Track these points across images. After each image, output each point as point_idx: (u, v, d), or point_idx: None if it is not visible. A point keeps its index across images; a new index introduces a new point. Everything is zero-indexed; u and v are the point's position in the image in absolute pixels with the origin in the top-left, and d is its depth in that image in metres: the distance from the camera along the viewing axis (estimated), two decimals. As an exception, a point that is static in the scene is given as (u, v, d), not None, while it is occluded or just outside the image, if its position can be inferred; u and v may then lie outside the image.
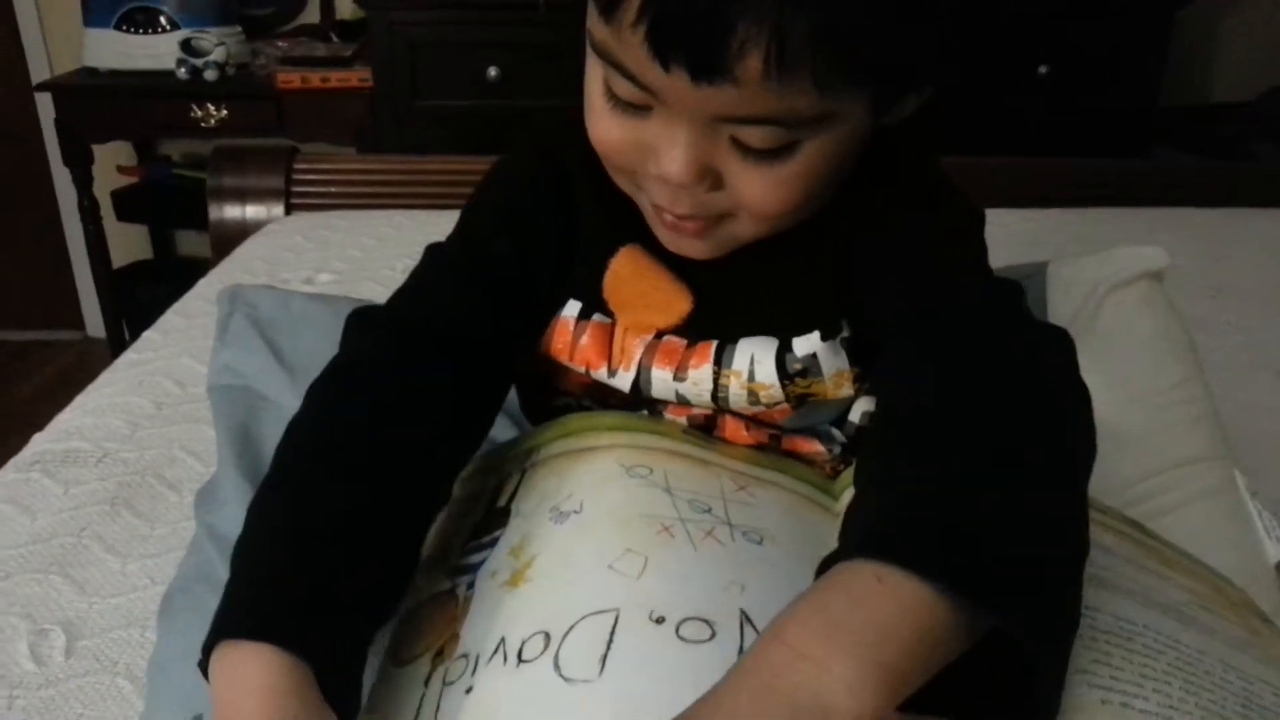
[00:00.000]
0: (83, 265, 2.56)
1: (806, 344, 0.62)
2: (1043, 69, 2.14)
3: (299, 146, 1.65)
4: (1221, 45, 2.59)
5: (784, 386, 0.62)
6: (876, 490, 0.47)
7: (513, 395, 0.76)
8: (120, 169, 2.53)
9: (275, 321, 0.94)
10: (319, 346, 0.88)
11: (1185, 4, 2.25)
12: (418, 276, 0.65)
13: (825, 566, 0.43)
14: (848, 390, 0.64)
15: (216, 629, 0.47)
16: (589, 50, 0.53)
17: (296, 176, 1.55)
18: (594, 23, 0.51)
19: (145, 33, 2.21)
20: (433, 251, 0.66)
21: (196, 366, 1.05)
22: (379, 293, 1.24)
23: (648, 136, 0.52)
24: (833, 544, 0.50)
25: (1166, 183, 1.71)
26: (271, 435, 0.80)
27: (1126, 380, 0.77)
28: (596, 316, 0.64)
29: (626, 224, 0.62)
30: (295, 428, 0.56)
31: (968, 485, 0.44)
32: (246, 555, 0.51)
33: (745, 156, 0.51)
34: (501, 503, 0.60)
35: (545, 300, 0.65)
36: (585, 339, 0.64)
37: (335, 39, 2.37)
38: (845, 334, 0.62)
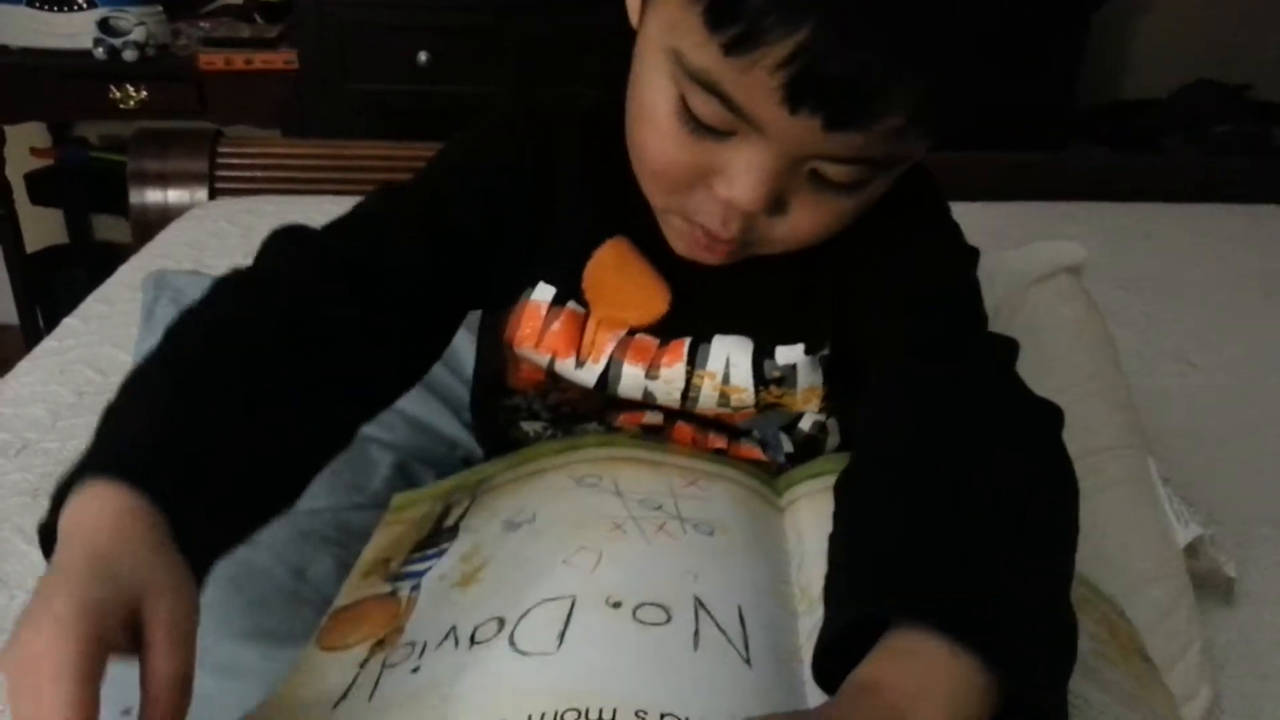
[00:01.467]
0: (-6, 249, 2.47)
1: (789, 354, 0.62)
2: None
3: (223, 130, 1.62)
4: (1136, 44, 2.67)
5: (757, 392, 0.62)
6: (897, 544, 0.46)
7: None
8: (34, 151, 2.45)
9: (201, 308, 0.92)
10: (247, 335, 0.88)
11: (1101, 5, 2.32)
12: (363, 213, 0.62)
13: (865, 608, 0.43)
14: (814, 407, 0.64)
15: (67, 480, 0.43)
16: (656, 66, 0.51)
17: (221, 160, 1.52)
18: (688, 45, 0.48)
19: (61, 10, 2.13)
20: (386, 191, 0.63)
21: (119, 354, 1.03)
22: (307, 280, 1.23)
23: (719, 160, 0.51)
24: (779, 534, 0.51)
25: (1081, 177, 1.77)
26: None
27: (1047, 371, 0.80)
28: (570, 305, 0.63)
29: (616, 216, 0.61)
30: (192, 319, 0.53)
31: (992, 559, 0.44)
32: (114, 416, 0.47)
33: (818, 188, 0.51)
34: (450, 523, 0.59)
35: (500, 279, 0.63)
36: (556, 326, 0.63)
37: (260, 20, 2.32)
38: (826, 352, 0.63)
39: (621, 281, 0.63)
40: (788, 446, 0.67)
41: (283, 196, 1.49)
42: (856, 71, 0.44)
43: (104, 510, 0.41)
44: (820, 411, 0.65)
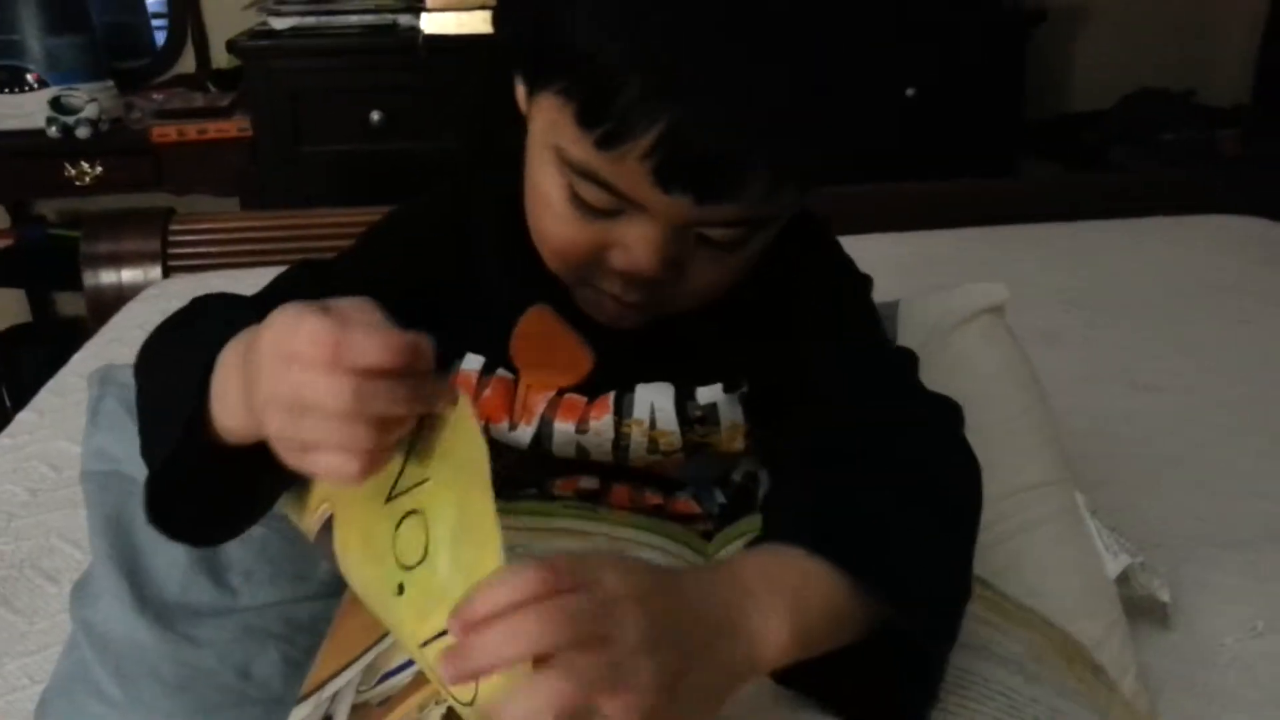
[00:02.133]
0: (-41, 332, 2.47)
1: (709, 394, 0.65)
2: (910, 91, 2.22)
3: (175, 207, 1.63)
4: (1077, 57, 2.71)
5: (684, 433, 0.65)
6: (805, 496, 0.54)
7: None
8: (-8, 231, 2.46)
9: (150, 400, 0.93)
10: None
11: (1039, 22, 2.36)
12: (281, 290, 0.65)
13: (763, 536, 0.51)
14: (739, 444, 0.67)
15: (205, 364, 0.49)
16: (544, 159, 0.56)
17: (173, 238, 1.53)
18: (566, 140, 0.53)
19: (12, 91, 2.14)
20: (304, 269, 0.67)
21: (73, 448, 1.03)
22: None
23: (613, 236, 0.56)
24: None
25: (1028, 199, 1.80)
26: (145, 522, 0.80)
27: (973, 411, 0.81)
28: (500, 372, 0.65)
29: (534, 285, 0.64)
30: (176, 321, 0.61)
31: (880, 513, 0.52)
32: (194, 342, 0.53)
33: (708, 249, 0.56)
34: None
35: None
36: (488, 392, 0.65)
37: (212, 88, 2.34)
38: (744, 389, 0.66)
39: (546, 347, 0.66)
40: (721, 499, 0.69)
41: (236, 270, 1.50)
42: (716, 151, 0.50)
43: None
44: (748, 457, 0.68)
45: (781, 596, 0.46)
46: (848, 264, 0.70)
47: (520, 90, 0.60)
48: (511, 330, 0.65)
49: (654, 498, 0.68)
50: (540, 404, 0.65)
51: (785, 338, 0.65)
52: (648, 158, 0.50)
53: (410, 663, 0.53)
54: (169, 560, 0.73)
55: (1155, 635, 0.81)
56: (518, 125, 0.62)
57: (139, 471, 0.84)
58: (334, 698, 0.56)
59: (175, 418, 0.50)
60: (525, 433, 0.65)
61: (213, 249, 1.54)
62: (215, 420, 0.49)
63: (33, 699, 0.71)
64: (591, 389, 0.65)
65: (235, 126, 2.17)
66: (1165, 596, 0.81)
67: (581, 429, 0.65)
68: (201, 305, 0.62)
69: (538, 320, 0.65)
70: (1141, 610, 0.82)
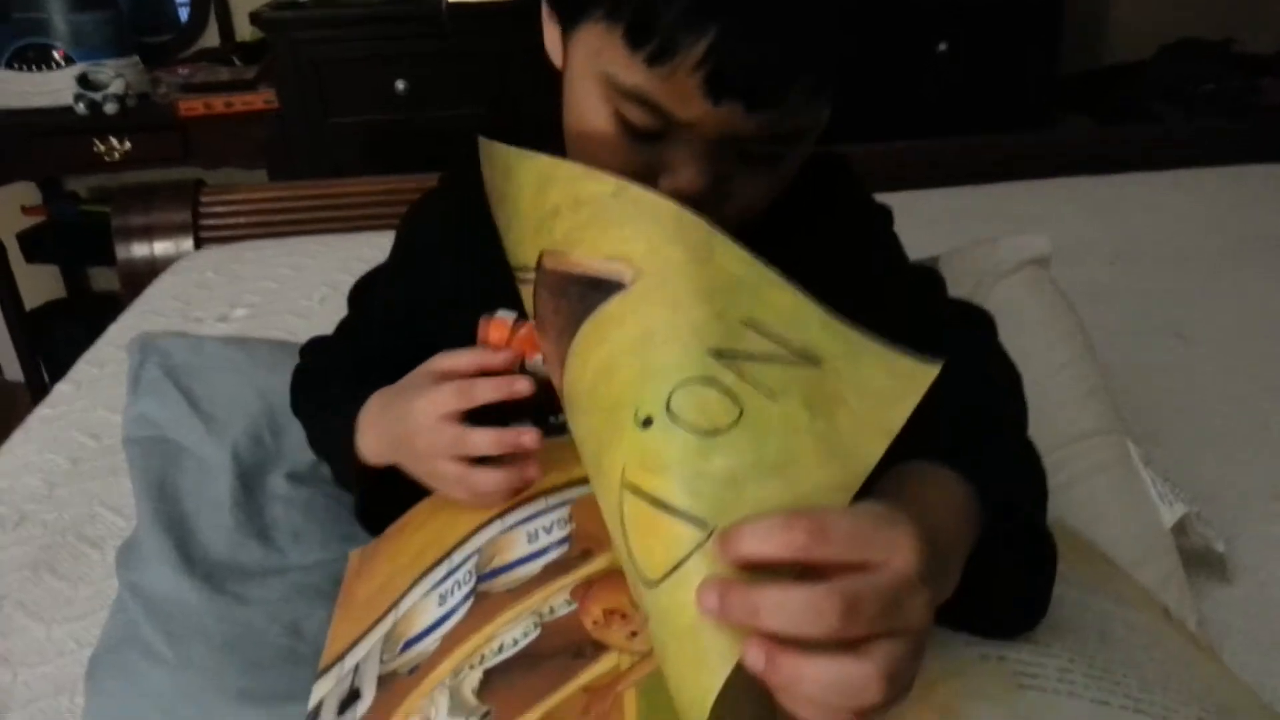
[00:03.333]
0: (-6, 310, 2.49)
1: None
2: (941, 46, 2.18)
3: (205, 179, 1.63)
4: (1113, 8, 2.65)
5: None
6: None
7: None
8: (25, 209, 2.47)
9: (189, 368, 0.93)
10: (235, 392, 0.88)
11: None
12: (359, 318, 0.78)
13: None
14: None
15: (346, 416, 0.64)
16: (588, 91, 0.57)
17: (203, 210, 1.53)
18: (614, 66, 0.54)
19: (39, 69, 2.15)
20: (358, 293, 0.79)
21: (111, 417, 1.03)
22: (297, 325, 1.23)
23: (661, 159, 0.57)
24: None
25: (1068, 152, 1.76)
26: (191, 485, 0.80)
27: (1018, 362, 0.80)
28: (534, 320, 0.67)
29: None
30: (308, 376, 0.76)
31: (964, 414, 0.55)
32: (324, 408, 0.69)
33: (745, 165, 0.57)
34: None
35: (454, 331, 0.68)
36: (523, 331, 0.66)
37: (237, 62, 2.33)
38: None
39: None
40: None
41: (266, 241, 1.50)
42: (764, 56, 0.52)
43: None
44: None
45: (928, 518, 0.46)
46: (869, 197, 0.72)
47: (552, 33, 0.61)
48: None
49: None
50: None
51: (815, 267, 0.64)
52: (698, 69, 0.51)
53: (434, 628, 0.52)
54: (215, 522, 0.73)
55: (1213, 587, 0.80)
56: (547, 80, 0.63)
57: (182, 436, 0.85)
58: (356, 669, 0.55)
59: (339, 458, 0.65)
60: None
61: (243, 219, 1.54)
62: (361, 454, 0.64)
63: (80, 663, 0.71)
64: None
65: (261, 99, 2.16)
66: (1221, 548, 0.80)
67: None
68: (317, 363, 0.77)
69: None
70: (1198, 562, 0.80)
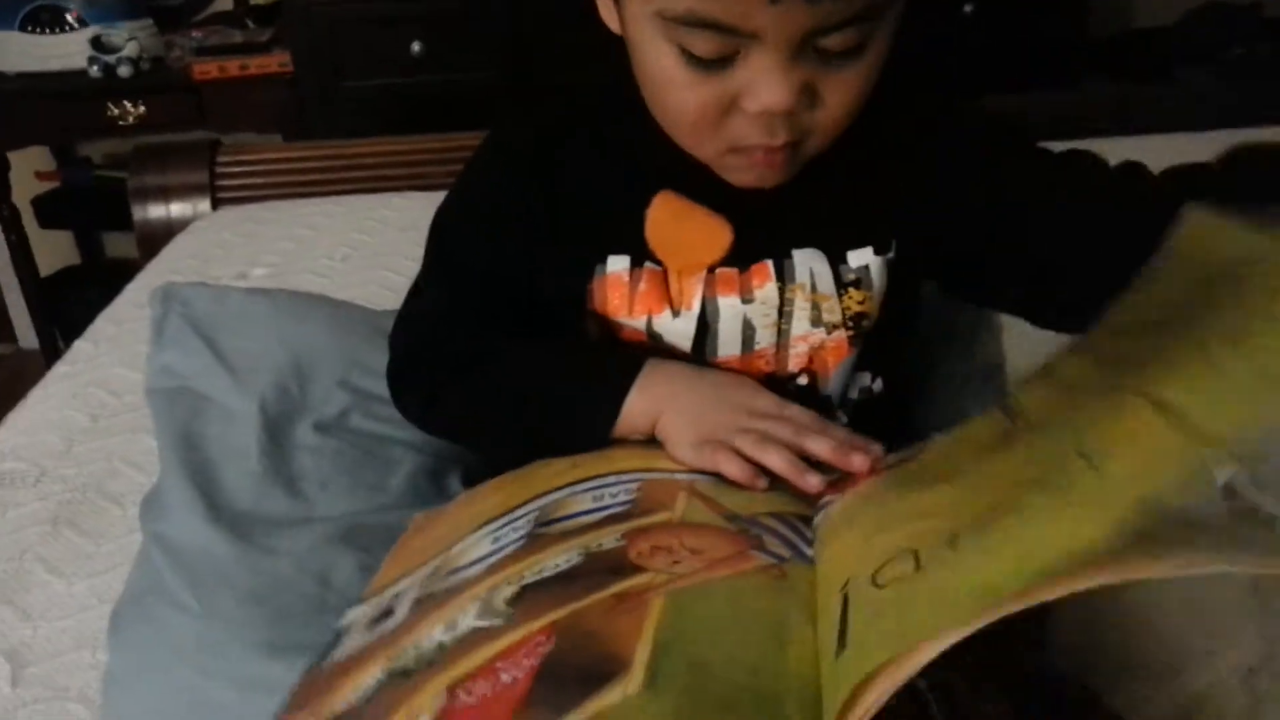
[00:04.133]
0: (9, 276, 2.47)
1: (860, 257, 0.66)
2: (968, 8, 2.14)
3: (221, 139, 1.60)
4: (1141, -29, 2.61)
5: (840, 297, 0.65)
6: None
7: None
8: (39, 174, 2.45)
9: (213, 318, 0.91)
10: (260, 342, 0.86)
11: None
12: (420, 312, 0.71)
13: None
14: (875, 314, 0.67)
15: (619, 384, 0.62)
16: (648, 37, 0.57)
17: (220, 170, 1.51)
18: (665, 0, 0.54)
19: (53, 32, 2.12)
20: (424, 273, 0.72)
21: (131, 374, 1.02)
22: (317, 284, 1.21)
23: (735, 85, 0.56)
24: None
25: (1096, 112, 1.73)
26: (216, 435, 0.78)
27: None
28: (648, 265, 0.66)
29: (651, 174, 0.66)
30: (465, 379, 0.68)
31: None
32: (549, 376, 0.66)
33: (827, 65, 0.56)
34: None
35: (560, 267, 0.67)
36: (643, 286, 0.65)
37: (251, 25, 2.30)
38: (892, 255, 0.66)
39: (682, 228, 0.66)
40: (843, 420, 0.68)
41: (284, 202, 1.48)
42: None
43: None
44: (870, 376, 0.69)
45: None
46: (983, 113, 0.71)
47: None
48: (643, 224, 0.66)
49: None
50: (697, 286, 0.65)
51: (941, 183, 0.66)
52: None
53: (481, 561, 0.51)
54: (241, 471, 0.71)
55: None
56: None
57: (207, 387, 0.83)
58: (395, 598, 0.53)
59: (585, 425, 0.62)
60: (689, 319, 0.66)
61: (260, 180, 1.52)
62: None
63: (101, 617, 0.70)
64: (740, 260, 0.66)
65: (275, 62, 2.13)
66: (1275, 509, 0.77)
67: (747, 299, 0.65)
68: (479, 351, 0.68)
69: (665, 205, 0.66)
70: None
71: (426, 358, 0.69)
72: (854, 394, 0.69)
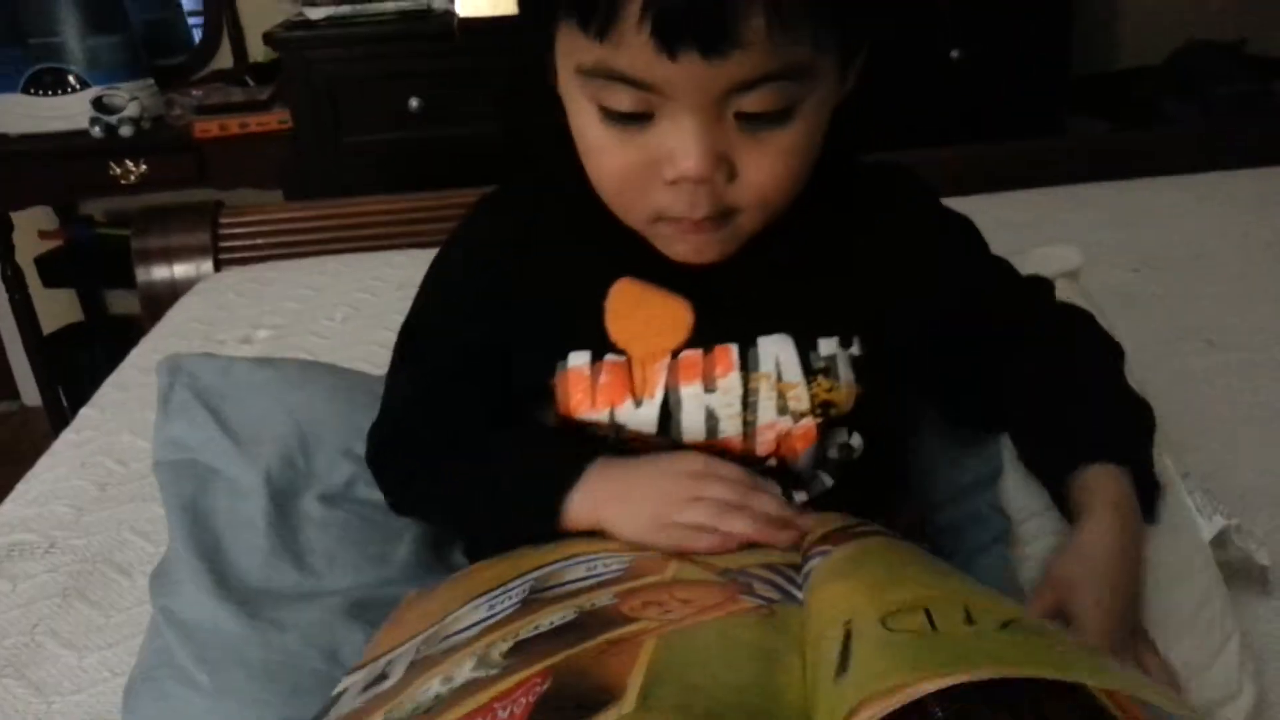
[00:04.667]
0: (12, 335, 2.49)
1: (829, 345, 0.65)
2: (955, 54, 2.17)
3: (223, 200, 1.63)
4: (1123, 10, 2.65)
5: (809, 385, 0.64)
6: (1069, 431, 0.66)
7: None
8: (42, 234, 2.48)
9: (218, 390, 0.92)
10: (265, 413, 0.88)
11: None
12: (390, 404, 0.74)
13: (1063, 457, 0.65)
14: (850, 405, 0.66)
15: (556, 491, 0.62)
16: (575, 98, 0.57)
17: (223, 231, 1.53)
18: (580, 53, 0.55)
19: (55, 94, 2.16)
20: (405, 339, 0.74)
21: (138, 442, 1.03)
22: (320, 345, 1.23)
23: (654, 147, 0.56)
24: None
25: (1082, 157, 1.75)
26: (223, 508, 0.79)
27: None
28: (609, 357, 0.65)
29: (608, 263, 0.65)
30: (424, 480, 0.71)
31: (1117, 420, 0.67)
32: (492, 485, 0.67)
33: (751, 131, 0.55)
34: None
35: (520, 370, 0.68)
36: (604, 378, 0.64)
37: (251, 82, 2.34)
38: (855, 351, 0.65)
39: (643, 314, 0.65)
40: (827, 482, 0.68)
41: (287, 261, 1.50)
42: None
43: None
44: (848, 432, 0.68)
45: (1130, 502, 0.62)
46: (937, 202, 0.72)
47: (552, 63, 0.61)
48: (603, 314, 0.65)
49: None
50: (660, 374, 0.64)
51: (877, 265, 0.67)
52: (641, 25, 0.51)
53: (476, 625, 0.52)
54: (249, 546, 0.72)
55: (1256, 602, 0.78)
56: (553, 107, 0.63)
57: (213, 459, 0.85)
58: (389, 663, 0.55)
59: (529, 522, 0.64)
60: (651, 407, 0.64)
61: (262, 240, 1.54)
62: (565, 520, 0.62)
63: (114, 691, 0.71)
64: (703, 340, 0.65)
65: (275, 119, 2.17)
66: (1265, 560, 0.78)
67: (710, 387, 0.64)
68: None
69: (624, 293, 0.66)
70: (1240, 576, 0.79)
71: (398, 447, 0.72)
72: (832, 453, 0.67)
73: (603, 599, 0.50)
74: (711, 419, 0.64)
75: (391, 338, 0.74)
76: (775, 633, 0.46)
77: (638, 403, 0.64)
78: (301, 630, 0.66)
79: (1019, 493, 0.73)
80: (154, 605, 0.74)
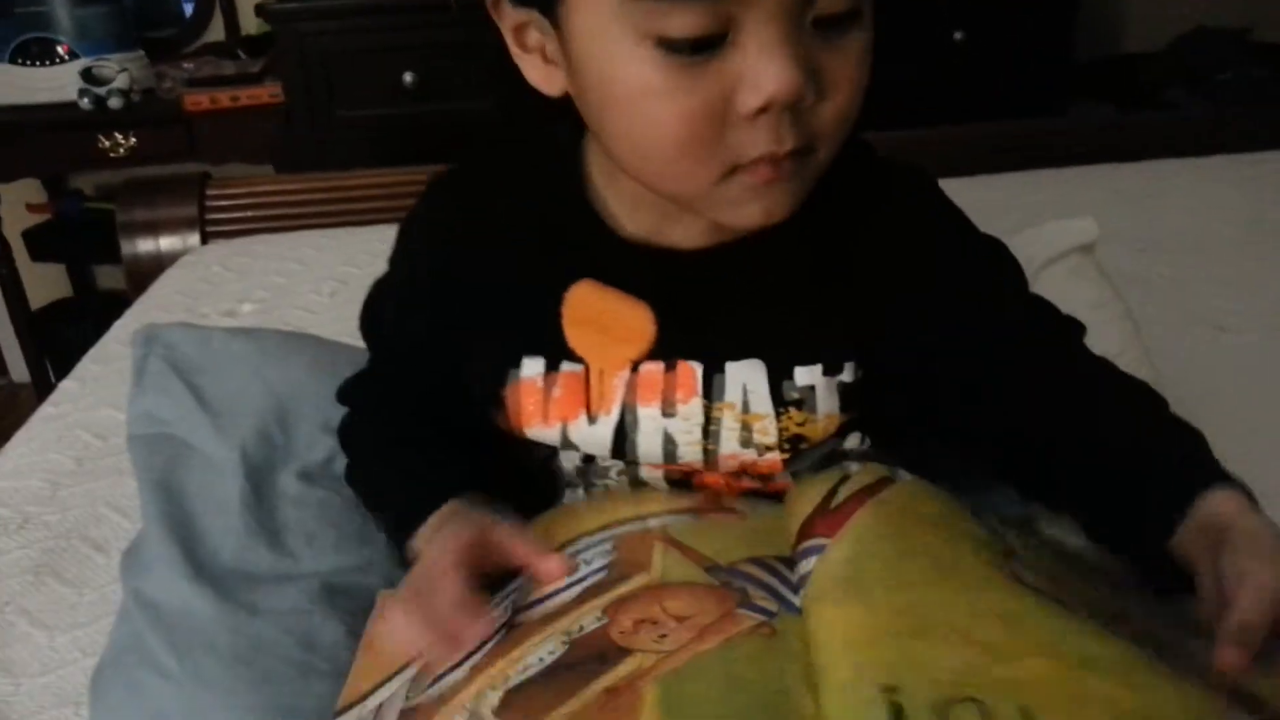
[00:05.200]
0: (0, 309, 2.47)
1: (807, 375, 0.59)
2: (958, 35, 2.14)
3: (211, 172, 1.60)
4: (1130, -5, 2.62)
5: (779, 417, 0.59)
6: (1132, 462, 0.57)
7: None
8: (30, 207, 2.45)
9: (195, 361, 0.89)
10: (244, 386, 0.85)
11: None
12: (360, 379, 0.75)
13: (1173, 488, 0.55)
14: (830, 434, 0.61)
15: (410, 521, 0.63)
16: (616, 46, 0.49)
17: (210, 204, 1.50)
18: None
19: (43, 64, 2.12)
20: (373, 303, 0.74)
21: (117, 415, 1.00)
22: (306, 320, 1.20)
23: (730, 75, 0.48)
24: None
25: (1086, 139, 1.72)
26: (197, 485, 0.76)
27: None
28: (565, 366, 0.61)
29: (567, 264, 0.60)
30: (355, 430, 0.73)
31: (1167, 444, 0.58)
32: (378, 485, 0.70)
33: (829, 39, 0.49)
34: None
35: (472, 375, 0.65)
36: (558, 391, 0.61)
37: (242, 55, 2.30)
38: (844, 377, 0.60)
39: (603, 320, 0.60)
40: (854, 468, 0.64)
41: (274, 235, 1.47)
42: None
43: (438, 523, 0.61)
44: (840, 433, 0.63)
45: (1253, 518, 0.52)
46: (964, 218, 0.65)
47: (532, 61, 0.58)
48: (560, 319, 0.61)
49: (750, 483, 0.64)
50: (618, 387, 0.60)
51: (929, 310, 0.60)
52: None
53: (465, 661, 0.50)
54: (224, 524, 0.70)
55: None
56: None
57: (188, 433, 0.82)
58: (379, 709, 0.53)
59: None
60: (607, 425, 0.61)
61: (250, 213, 1.51)
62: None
63: (85, 671, 0.68)
64: (665, 353, 0.60)
65: (267, 93, 2.14)
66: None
67: (668, 412, 0.60)
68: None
69: (583, 296, 0.60)
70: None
71: (356, 424, 0.73)
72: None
73: (590, 619, 0.48)
74: (670, 443, 0.60)
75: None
76: (781, 660, 0.44)
77: (592, 419, 0.61)
78: (276, 615, 0.64)
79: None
80: (125, 587, 0.71)
